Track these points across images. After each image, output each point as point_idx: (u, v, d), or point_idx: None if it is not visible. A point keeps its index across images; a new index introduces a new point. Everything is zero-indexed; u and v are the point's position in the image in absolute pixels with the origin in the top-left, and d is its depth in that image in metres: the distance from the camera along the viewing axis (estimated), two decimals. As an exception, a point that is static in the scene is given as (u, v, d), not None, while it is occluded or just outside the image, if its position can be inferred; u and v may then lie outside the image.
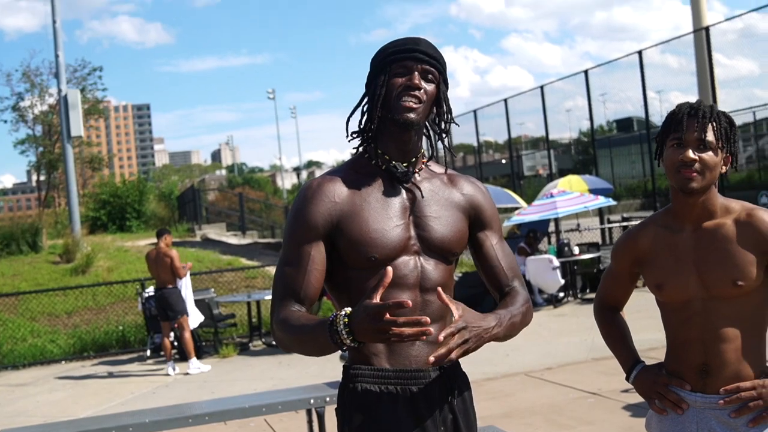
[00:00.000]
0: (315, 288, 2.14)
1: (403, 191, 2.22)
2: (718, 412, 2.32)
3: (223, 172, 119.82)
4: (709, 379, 2.33)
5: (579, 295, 13.54)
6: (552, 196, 13.78)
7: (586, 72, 20.10)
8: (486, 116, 27.94)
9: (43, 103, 32.49)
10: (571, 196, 13.67)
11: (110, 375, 10.85)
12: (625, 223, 16.51)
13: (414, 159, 2.23)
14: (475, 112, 27.94)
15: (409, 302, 1.80)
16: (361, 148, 2.25)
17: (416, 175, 2.24)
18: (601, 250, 14.56)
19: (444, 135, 2.24)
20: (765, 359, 2.37)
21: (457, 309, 1.96)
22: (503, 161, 31.06)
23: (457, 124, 2.30)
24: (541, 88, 22.46)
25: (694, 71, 19.90)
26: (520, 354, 9.38)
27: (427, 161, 2.30)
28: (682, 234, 2.38)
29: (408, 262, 2.16)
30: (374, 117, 2.16)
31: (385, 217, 2.15)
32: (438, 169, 2.32)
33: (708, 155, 2.28)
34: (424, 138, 2.27)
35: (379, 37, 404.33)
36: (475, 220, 2.31)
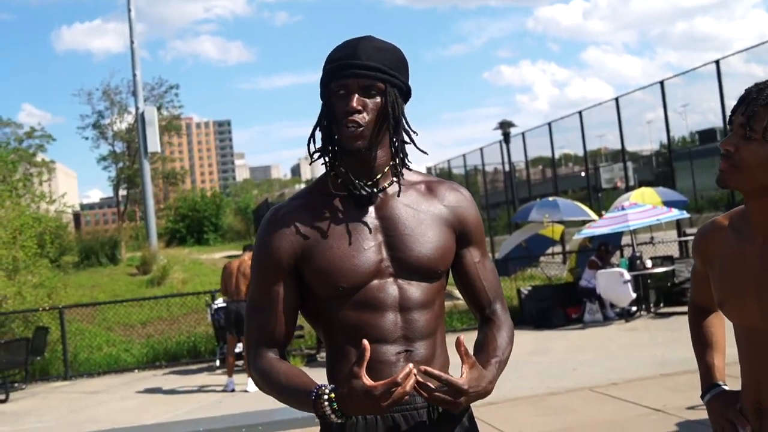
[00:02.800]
0: (288, 329, 2.04)
1: (372, 211, 2.01)
2: None
3: (303, 186, 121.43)
4: (765, 421, 1.96)
5: (652, 310, 13.22)
6: (623, 208, 13.50)
7: (662, 82, 19.68)
8: (563, 129, 27.57)
9: (122, 121, 33.60)
10: (644, 209, 13.37)
11: (180, 384, 11.04)
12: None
13: (380, 175, 2.02)
14: (549, 124, 27.62)
15: (400, 378, 1.73)
16: (326, 168, 2.06)
17: (386, 190, 2.03)
18: (676, 263, 14.21)
19: (400, 149, 2.02)
20: None
21: (469, 367, 1.85)
22: (582, 174, 30.63)
23: (414, 131, 2.04)
24: (616, 99, 22.09)
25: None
26: (587, 368, 9.20)
27: (401, 169, 2.05)
28: (751, 245, 1.93)
29: (383, 286, 1.97)
30: (327, 141, 2.01)
31: (351, 242, 1.97)
32: (415, 177, 2.10)
33: (750, 148, 1.83)
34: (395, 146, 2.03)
35: (455, 52, 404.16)
36: (459, 234, 2.09)
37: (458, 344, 1.84)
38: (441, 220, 2.05)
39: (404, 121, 2.01)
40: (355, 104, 1.92)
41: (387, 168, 2.03)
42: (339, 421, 1.81)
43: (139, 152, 21.52)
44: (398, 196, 2.03)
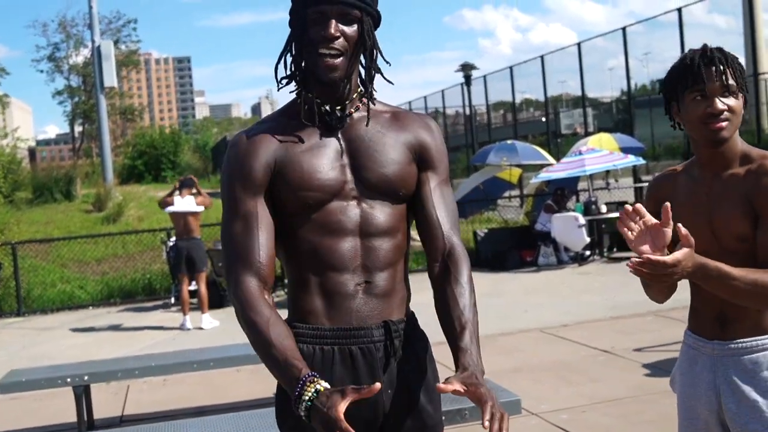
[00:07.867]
0: (269, 250, 1.96)
1: (339, 135, 2.03)
2: (736, 360, 2.25)
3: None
4: (728, 326, 2.26)
5: (605, 254, 13.41)
6: (581, 153, 13.59)
7: (623, 29, 19.72)
8: (525, 74, 27.59)
9: (78, 54, 32.95)
10: (600, 154, 13.46)
11: (135, 322, 11.02)
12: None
13: (348, 101, 2.04)
14: (511, 68, 27.62)
15: None
16: (294, 94, 2.07)
17: (353, 116, 2.05)
18: (631, 209, 14.32)
19: (371, 77, 2.03)
20: None
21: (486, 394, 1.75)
22: (542, 119, 30.75)
23: (387, 62, 2.05)
24: (579, 45, 22.13)
25: (742, 32, 19.33)
26: (539, 310, 9.34)
27: (369, 99, 2.07)
28: (701, 183, 2.30)
29: (345, 208, 1.99)
30: (297, 67, 2.01)
31: (318, 160, 1.98)
32: (383, 107, 2.12)
33: (733, 101, 2.19)
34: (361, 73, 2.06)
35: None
36: (419, 159, 2.09)
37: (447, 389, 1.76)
38: (403, 144, 2.07)
39: (379, 51, 2.03)
40: (333, 31, 1.92)
41: (355, 95, 2.06)
42: (303, 416, 1.75)
43: (95, 87, 21.11)
44: (367, 124, 2.05)
